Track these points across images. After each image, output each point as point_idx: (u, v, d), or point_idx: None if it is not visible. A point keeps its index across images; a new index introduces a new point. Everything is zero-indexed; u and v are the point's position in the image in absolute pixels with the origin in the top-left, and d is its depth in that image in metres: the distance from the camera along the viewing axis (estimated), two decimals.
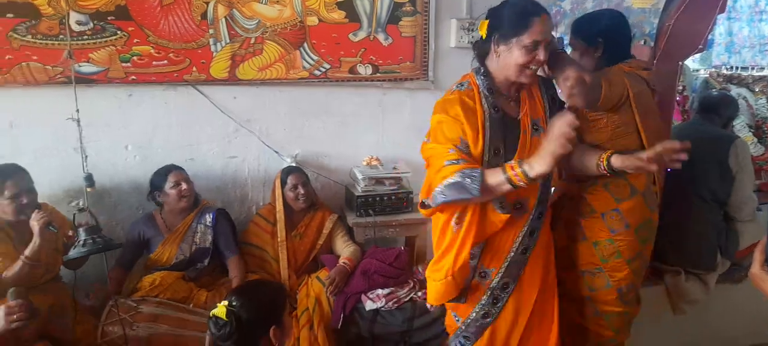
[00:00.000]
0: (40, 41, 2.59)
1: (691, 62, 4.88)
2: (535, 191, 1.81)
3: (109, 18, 2.66)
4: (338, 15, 2.99)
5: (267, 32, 2.90)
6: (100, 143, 2.77)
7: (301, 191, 2.85)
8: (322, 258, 2.90)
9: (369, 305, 2.63)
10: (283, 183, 2.88)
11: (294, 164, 3.05)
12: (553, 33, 1.81)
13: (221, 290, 2.63)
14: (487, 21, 1.74)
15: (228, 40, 2.85)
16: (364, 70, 3.12)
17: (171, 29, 2.76)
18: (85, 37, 2.65)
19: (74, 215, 2.23)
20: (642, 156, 1.73)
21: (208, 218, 2.75)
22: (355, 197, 2.98)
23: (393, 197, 3.02)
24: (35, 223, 2.23)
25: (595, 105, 1.92)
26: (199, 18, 2.78)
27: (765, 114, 4.39)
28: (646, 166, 1.73)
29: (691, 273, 2.84)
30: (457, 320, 1.96)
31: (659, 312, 2.86)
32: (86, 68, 2.68)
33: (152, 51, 2.75)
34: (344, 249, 2.89)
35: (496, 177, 1.60)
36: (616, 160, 1.81)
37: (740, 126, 4.12)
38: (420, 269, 2.92)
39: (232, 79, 2.92)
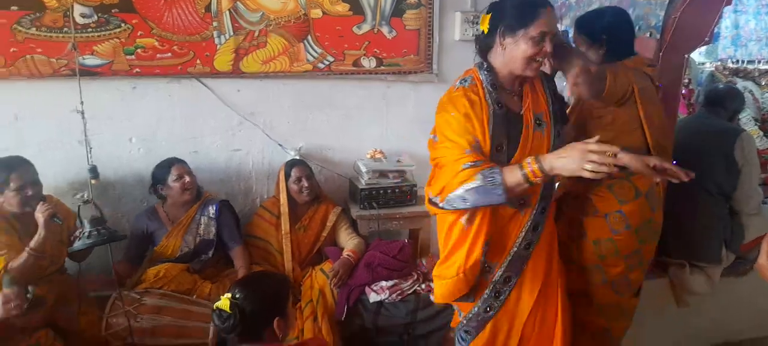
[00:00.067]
0: (45, 34, 2.59)
1: (697, 55, 4.86)
2: (538, 186, 1.80)
3: (113, 10, 2.66)
4: (342, 7, 2.98)
5: (271, 25, 2.90)
6: (103, 136, 2.78)
7: (305, 183, 2.86)
8: (326, 250, 2.91)
9: (373, 297, 2.63)
10: (287, 176, 2.88)
11: (298, 157, 3.05)
12: (558, 26, 1.80)
13: (225, 282, 2.64)
14: (489, 15, 1.72)
15: (232, 33, 2.85)
16: (368, 63, 3.12)
17: (175, 22, 2.76)
18: (90, 29, 2.65)
19: (79, 207, 2.24)
20: (650, 162, 1.73)
21: (211, 210, 2.76)
22: (358, 190, 2.98)
23: (397, 190, 3.02)
24: (40, 215, 2.25)
25: (600, 96, 1.91)
26: (203, 11, 2.78)
27: None
28: (650, 174, 1.72)
29: (696, 266, 2.83)
30: (459, 314, 1.96)
31: (663, 305, 2.86)
32: (90, 61, 2.69)
33: (156, 44, 2.76)
34: (348, 242, 2.89)
35: (514, 176, 1.58)
36: (625, 157, 1.80)
37: (746, 119, 4.10)
38: (423, 262, 2.92)
39: (236, 72, 2.92)
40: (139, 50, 2.74)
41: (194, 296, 2.53)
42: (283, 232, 2.83)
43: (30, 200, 2.30)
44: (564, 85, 3.05)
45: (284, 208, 2.86)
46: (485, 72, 1.75)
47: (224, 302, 1.66)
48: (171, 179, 2.67)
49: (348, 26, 3.02)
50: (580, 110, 2.24)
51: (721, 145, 2.81)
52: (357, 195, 3.01)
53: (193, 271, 2.67)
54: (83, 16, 2.63)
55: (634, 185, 2.09)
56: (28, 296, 1.99)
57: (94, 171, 2.36)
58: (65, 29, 2.60)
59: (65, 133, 2.71)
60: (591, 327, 2.18)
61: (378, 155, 3.08)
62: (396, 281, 2.71)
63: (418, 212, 3.03)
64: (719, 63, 4.87)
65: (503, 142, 1.71)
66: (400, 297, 2.64)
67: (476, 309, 1.88)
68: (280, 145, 3.09)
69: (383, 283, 2.69)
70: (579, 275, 2.13)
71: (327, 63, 3.04)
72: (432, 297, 2.66)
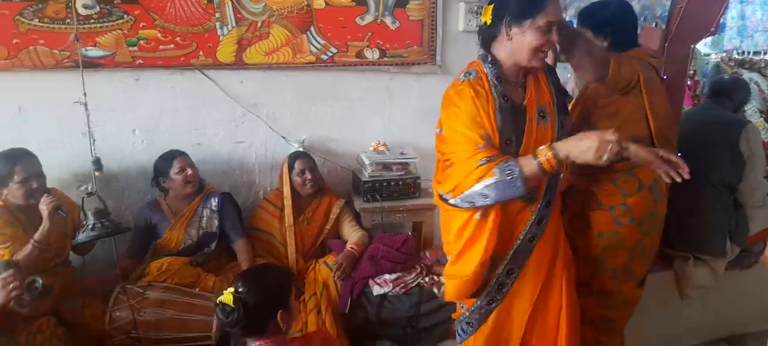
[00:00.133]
0: (47, 25, 2.58)
1: (703, 46, 4.83)
2: (542, 180, 1.79)
3: (115, 2, 2.65)
4: None
5: (273, 16, 2.88)
6: (106, 128, 2.78)
7: (309, 176, 2.85)
8: (329, 243, 2.90)
9: (376, 290, 2.64)
10: (291, 168, 2.88)
11: (301, 149, 3.04)
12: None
13: (228, 275, 2.64)
14: (492, 6, 1.70)
15: (234, 24, 2.84)
16: (371, 55, 3.10)
17: (177, 13, 2.74)
18: (92, 20, 2.64)
19: (83, 199, 2.24)
20: (658, 153, 1.72)
21: (214, 202, 2.76)
22: (362, 183, 2.97)
23: (400, 183, 3.01)
24: (44, 207, 2.25)
25: (603, 81, 1.90)
26: (206, 2, 2.77)
27: None
28: (660, 166, 1.70)
29: (700, 259, 2.82)
30: (461, 306, 1.96)
31: (667, 297, 2.85)
32: (93, 52, 2.68)
33: (159, 35, 2.75)
34: (352, 234, 2.89)
35: (530, 166, 1.58)
36: (632, 146, 1.79)
37: (752, 111, 4.08)
38: (427, 254, 2.92)
39: (239, 64, 2.91)
40: (141, 42, 2.73)
41: (197, 289, 2.53)
42: (286, 224, 2.83)
43: (34, 193, 2.30)
44: (568, 76, 3.05)
45: (287, 200, 2.86)
46: (489, 65, 1.73)
47: (227, 297, 1.66)
48: (173, 171, 2.67)
49: (351, 17, 3.00)
50: (585, 100, 2.25)
51: (727, 137, 2.79)
52: (360, 187, 3.00)
53: (196, 264, 2.67)
54: (86, 7, 2.62)
55: (637, 177, 2.09)
56: (37, 286, 1.99)
57: (97, 163, 2.35)
58: (68, 20, 2.59)
59: (68, 125, 2.70)
60: (593, 317, 2.19)
61: (381, 147, 3.07)
62: (399, 273, 2.71)
63: (422, 205, 3.02)
64: (725, 54, 4.83)
65: (512, 136, 1.70)
66: (403, 290, 2.65)
67: (479, 302, 1.87)
68: (283, 137, 3.09)
69: (387, 276, 2.69)
70: (582, 266, 2.13)
71: (330, 54, 3.03)
72: (435, 290, 2.67)
